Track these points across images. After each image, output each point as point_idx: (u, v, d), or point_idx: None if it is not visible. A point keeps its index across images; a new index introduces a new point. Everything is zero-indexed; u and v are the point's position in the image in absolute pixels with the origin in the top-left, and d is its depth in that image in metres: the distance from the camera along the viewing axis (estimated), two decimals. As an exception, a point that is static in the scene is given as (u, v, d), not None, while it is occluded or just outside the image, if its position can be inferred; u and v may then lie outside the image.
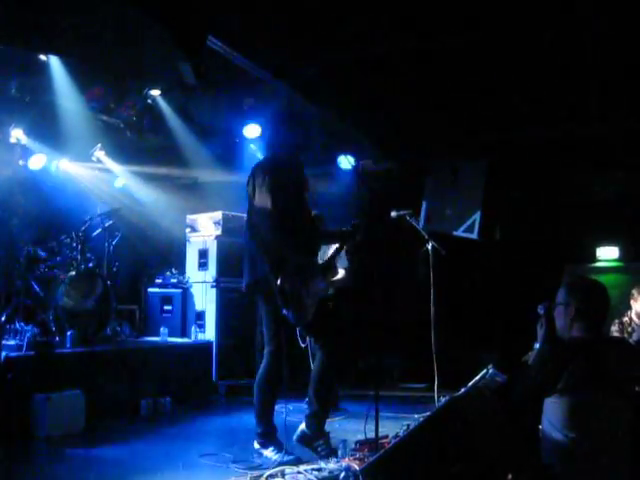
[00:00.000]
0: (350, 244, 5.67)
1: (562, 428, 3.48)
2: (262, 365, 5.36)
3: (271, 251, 5.07)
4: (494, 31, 6.96)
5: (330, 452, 5.14)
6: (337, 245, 5.62)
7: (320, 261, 5.61)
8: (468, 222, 9.74)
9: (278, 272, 4.97)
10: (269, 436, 5.28)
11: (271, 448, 5.20)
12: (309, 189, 5.58)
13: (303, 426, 5.31)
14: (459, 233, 9.73)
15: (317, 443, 5.25)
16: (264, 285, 5.13)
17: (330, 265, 5.49)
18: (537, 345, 3.95)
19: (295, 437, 5.27)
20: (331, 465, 4.61)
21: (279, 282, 4.92)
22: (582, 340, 3.60)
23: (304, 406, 5.54)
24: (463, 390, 4.09)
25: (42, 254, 8.19)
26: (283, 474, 4.37)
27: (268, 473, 4.35)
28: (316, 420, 5.31)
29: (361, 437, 5.22)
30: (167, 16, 5.21)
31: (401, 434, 4.77)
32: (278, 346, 5.26)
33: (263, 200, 5.15)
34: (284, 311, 5.00)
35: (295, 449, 5.28)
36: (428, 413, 4.20)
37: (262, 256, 5.12)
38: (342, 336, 5.45)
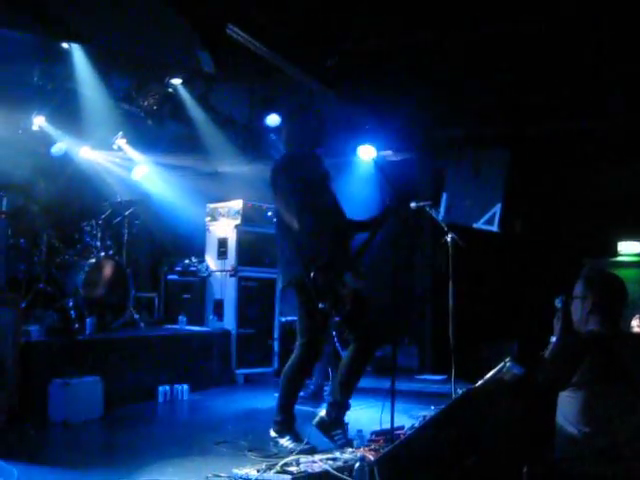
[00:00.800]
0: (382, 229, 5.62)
1: (576, 422, 3.46)
2: (293, 356, 5.36)
3: (301, 247, 5.08)
4: (517, 23, 6.92)
5: (346, 442, 5.15)
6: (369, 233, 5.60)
7: None
8: (489, 214, 9.69)
9: (310, 267, 4.97)
10: (286, 425, 5.28)
11: (287, 437, 5.21)
12: (331, 179, 5.57)
13: (323, 413, 5.32)
14: (479, 225, 9.68)
15: (335, 432, 5.26)
16: (299, 281, 5.14)
17: (362, 254, 5.48)
18: (554, 338, 3.93)
19: (314, 422, 5.29)
20: (346, 455, 4.60)
21: (312, 276, 4.92)
22: (598, 334, 3.58)
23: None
24: (480, 382, 4.07)
25: (62, 241, 8.26)
26: (298, 463, 4.36)
27: (283, 462, 4.35)
28: (337, 409, 5.32)
29: (377, 428, 5.22)
30: (186, 4, 5.22)
31: (417, 425, 4.77)
32: (310, 339, 5.26)
33: (284, 200, 5.17)
34: (320, 305, 5.00)
35: (311, 439, 5.29)
36: (444, 405, 4.18)
37: (294, 253, 5.14)
38: (376, 329, 5.46)
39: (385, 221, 5.46)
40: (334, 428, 5.27)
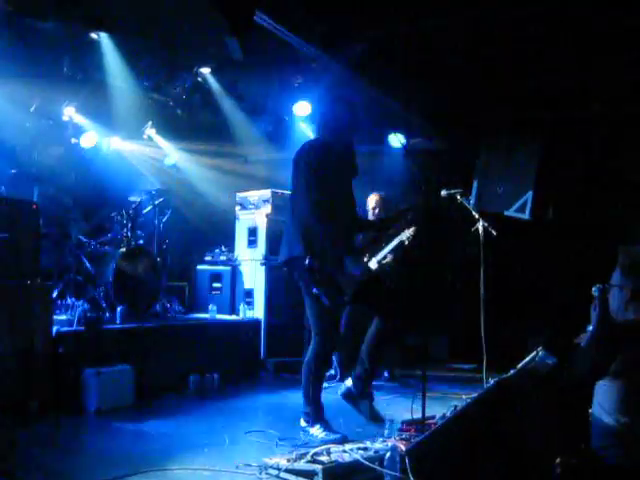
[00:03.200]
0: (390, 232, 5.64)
1: (613, 412, 3.41)
2: (311, 345, 5.36)
3: (305, 231, 5.08)
4: (552, 7, 6.82)
5: (374, 415, 5.13)
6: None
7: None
8: (520, 202, 9.59)
9: (308, 251, 4.98)
10: (316, 415, 5.28)
11: (317, 426, 5.21)
12: (357, 174, 5.53)
13: (350, 383, 5.32)
14: (510, 213, 9.59)
15: (362, 403, 5.26)
16: (298, 264, 5.14)
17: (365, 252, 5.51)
18: (590, 327, 3.88)
19: (340, 393, 5.29)
20: (377, 445, 4.57)
21: (307, 261, 4.93)
22: (637, 323, 3.52)
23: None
24: (512, 372, 4.03)
25: (93, 231, 8.31)
26: (329, 452, 4.34)
27: (314, 451, 4.32)
28: (363, 381, 5.32)
29: (408, 417, 5.18)
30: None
31: (448, 415, 4.72)
32: (323, 329, 5.24)
33: (301, 183, 5.16)
34: (314, 290, 5.00)
35: (341, 428, 5.28)
36: (476, 394, 4.14)
37: (298, 235, 5.13)
38: (397, 303, 5.45)
39: (393, 224, 5.47)
40: (361, 399, 5.27)
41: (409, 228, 6.15)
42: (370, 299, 5.39)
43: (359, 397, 5.29)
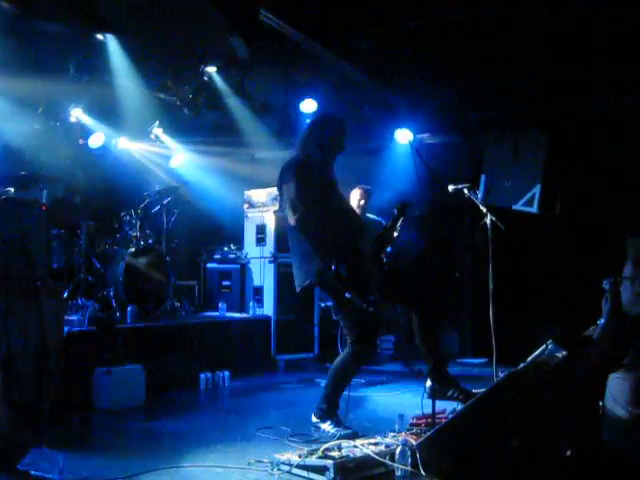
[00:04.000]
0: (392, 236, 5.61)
1: (626, 404, 3.41)
2: (345, 351, 5.33)
3: (318, 243, 5.05)
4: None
5: (467, 394, 5.11)
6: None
7: None
8: (528, 195, 9.57)
9: (330, 260, 4.95)
10: (329, 411, 5.28)
11: (329, 422, 5.21)
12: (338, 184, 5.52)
13: (429, 383, 5.30)
14: (519, 207, 9.57)
15: (449, 393, 5.25)
16: (323, 277, 5.12)
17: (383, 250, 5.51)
18: (602, 320, 3.87)
19: (427, 396, 5.27)
20: (388, 439, 4.58)
21: (333, 268, 4.90)
22: (649, 315, 3.52)
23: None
24: (522, 365, 4.03)
25: (102, 231, 8.35)
26: (340, 447, 4.35)
27: (325, 447, 4.33)
28: (438, 371, 5.31)
29: (418, 412, 5.19)
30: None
31: (458, 409, 4.73)
32: (360, 335, 5.23)
33: (292, 201, 5.10)
34: (347, 295, 4.97)
35: (352, 423, 5.29)
36: (486, 388, 4.15)
37: (311, 250, 5.10)
38: (425, 291, 5.46)
39: (394, 227, 5.47)
40: (446, 389, 5.25)
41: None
42: (395, 295, 5.42)
43: (444, 388, 5.28)
